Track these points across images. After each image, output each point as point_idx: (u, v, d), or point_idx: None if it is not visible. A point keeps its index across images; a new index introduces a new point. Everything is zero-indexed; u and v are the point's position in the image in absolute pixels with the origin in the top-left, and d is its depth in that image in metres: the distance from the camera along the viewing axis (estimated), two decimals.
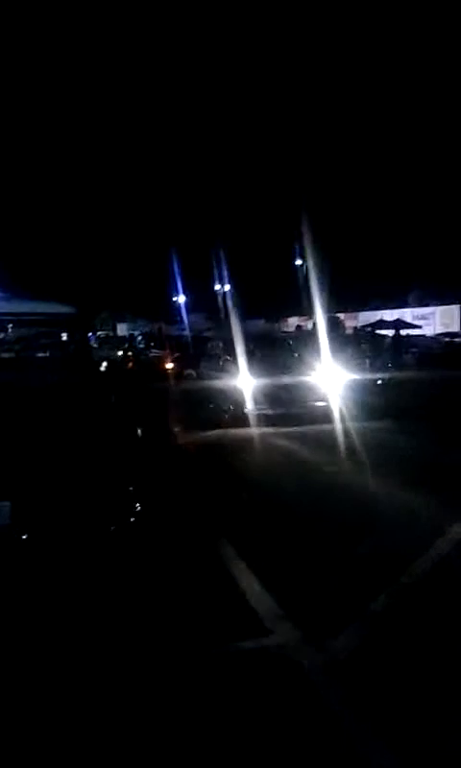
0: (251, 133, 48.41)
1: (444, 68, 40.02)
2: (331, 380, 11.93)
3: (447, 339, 28.63)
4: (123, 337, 36.88)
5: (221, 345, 15.67)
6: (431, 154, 38.77)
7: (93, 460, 5.18)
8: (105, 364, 18.46)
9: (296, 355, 13.76)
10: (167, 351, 21.31)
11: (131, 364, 22.77)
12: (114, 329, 47.35)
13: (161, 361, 20.82)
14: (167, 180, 47.13)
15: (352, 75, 43.70)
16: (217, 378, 13.13)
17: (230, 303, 48.18)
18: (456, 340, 28.23)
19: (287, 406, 11.52)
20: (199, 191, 47.11)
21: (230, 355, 13.46)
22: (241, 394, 11.64)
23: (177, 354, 20.57)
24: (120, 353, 25.66)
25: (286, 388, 11.71)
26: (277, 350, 14.41)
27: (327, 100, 44.82)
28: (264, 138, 47.27)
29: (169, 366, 19.85)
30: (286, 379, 11.91)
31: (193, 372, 17.33)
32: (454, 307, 38.29)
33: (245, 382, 11.76)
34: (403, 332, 29.75)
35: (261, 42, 45.97)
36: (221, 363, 14.00)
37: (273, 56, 47.70)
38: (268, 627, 3.92)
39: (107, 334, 41.73)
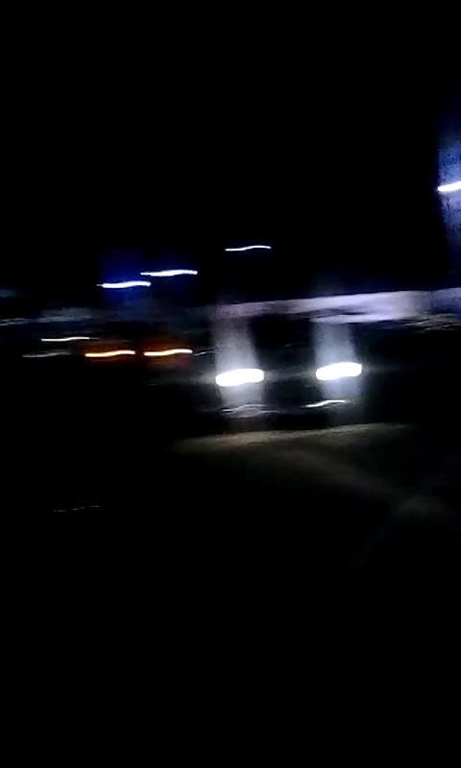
0: (206, 123, 47.99)
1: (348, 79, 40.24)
2: (339, 374, 9.87)
3: (392, 325, 28.86)
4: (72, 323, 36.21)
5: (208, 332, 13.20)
6: (387, 145, 39.08)
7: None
8: None
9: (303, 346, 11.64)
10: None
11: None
12: (63, 316, 46.66)
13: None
14: (117, 163, 46.49)
15: (299, 72, 43.63)
16: (197, 371, 11.11)
17: (180, 290, 48.16)
18: (404, 326, 28.47)
19: (290, 405, 9.60)
20: (150, 176, 46.60)
21: (210, 343, 11.32)
22: (231, 390, 9.66)
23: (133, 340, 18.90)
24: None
25: (288, 384, 9.72)
26: (275, 339, 12.27)
27: (280, 94, 44.66)
28: (209, 129, 46.92)
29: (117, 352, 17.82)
30: (287, 374, 9.91)
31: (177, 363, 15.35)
32: (403, 294, 38.75)
33: (235, 376, 9.75)
34: (348, 319, 29.99)
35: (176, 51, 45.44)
36: (202, 353, 11.82)
37: (195, 63, 47.24)
38: None
39: None
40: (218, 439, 9.01)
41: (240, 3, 41.74)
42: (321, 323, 26.46)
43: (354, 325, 21.23)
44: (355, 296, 41.46)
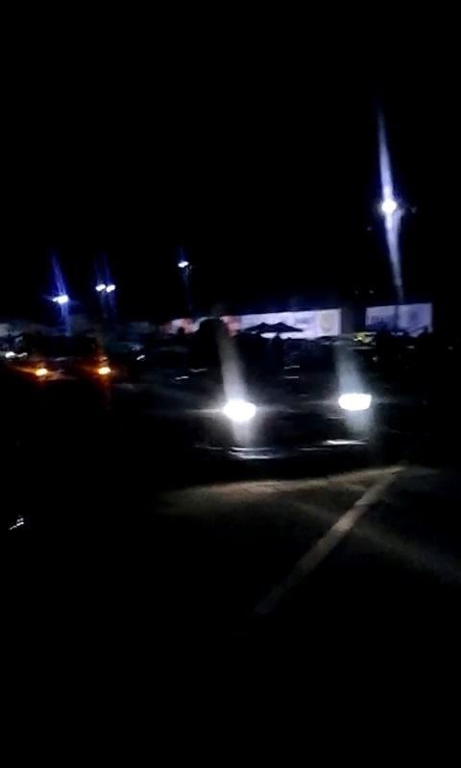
0: (134, 133, 47.92)
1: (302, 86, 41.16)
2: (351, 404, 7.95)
3: (326, 342, 29.32)
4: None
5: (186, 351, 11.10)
6: (318, 162, 39.74)
7: None
8: None
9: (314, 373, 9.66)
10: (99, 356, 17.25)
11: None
12: None
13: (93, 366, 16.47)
14: (48, 178, 45.87)
15: (230, 88, 44.16)
16: (181, 400, 8.78)
17: (112, 304, 47.67)
18: (336, 343, 28.94)
19: (298, 445, 7.55)
20: (80, 190, 46.15)
21: (200, 365, 9.14)
22: (224, 425, 7.49)
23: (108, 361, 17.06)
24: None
25: (293, 417, 7.75)
26: (265, 361, 10.31)
27: (210, 104, 45.03)
28: (147, 138, 46.93)
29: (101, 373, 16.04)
30: (292, 404, 7.87)
31: (130, 386, 12.83)
32: (334, 311, 39.37)
33: (230, 407, 7.57)
34: (285, 335, 30.28)
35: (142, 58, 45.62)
36: (187, 376, 9.47)
37: (159, 69, 47.45)
38: None
39: None
40: (209, 489, 6.84)
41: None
42: (309, 342, 25.01)
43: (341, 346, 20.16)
44: (282, 313, 42.28)
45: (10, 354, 20.86)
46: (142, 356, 23.53)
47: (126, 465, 7.69)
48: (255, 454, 7.48)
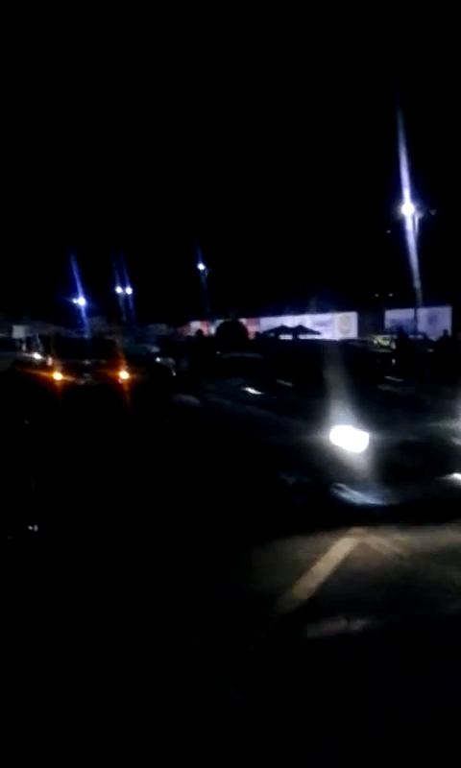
0: (154, 136, 48.08)
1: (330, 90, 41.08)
2: None
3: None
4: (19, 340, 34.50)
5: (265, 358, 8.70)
6: (337, 165, 39.67)
7: None
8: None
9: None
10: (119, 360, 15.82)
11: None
12: (10, 332, 45.38)
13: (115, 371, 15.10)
14: (67, 180, 46.14)
15: (250, 92, 44.17)
16: (261, 419, 6.84)
17: (130, 306, 47.85)
18: (353, 344, 28.84)
19: (420, 481, 5.81)
20: (99, 193, 46.37)
21: (287, 376, 7.24)
22: (327, 454, 5.70)
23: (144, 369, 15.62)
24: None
25: (412, 445, 5.89)
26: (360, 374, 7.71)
27: (230, 108, 45.11)
28: (168, 141, 47.07)
29: (125, 378, 14.53)
30: (410, 428, 6.05)
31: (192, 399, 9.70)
32: (352, 314, 39.25)
33: (336, 432, 5.72)
34: (303, 337, 30.27)
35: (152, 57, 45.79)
36: (268, 390, 7.32)
37: (174, 72, 47.60)
38: None
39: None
40: (312, 545, 4.90)
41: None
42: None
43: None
44: (300, 315, 42.15)
45: (37, 356, 20.00)
46: (160, 358, 23.58)
47: (178, 500, 6.02)
48: (369, 493, 5.72)
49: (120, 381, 14.82)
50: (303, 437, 6.01)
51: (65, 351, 16.75)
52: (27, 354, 21.38)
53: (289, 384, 7.21)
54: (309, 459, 5.92)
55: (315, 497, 5.79)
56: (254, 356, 9.60)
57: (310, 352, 8.38)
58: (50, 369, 15.70)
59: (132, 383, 14.58)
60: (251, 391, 7.60)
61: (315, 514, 5.56)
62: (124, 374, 15.18)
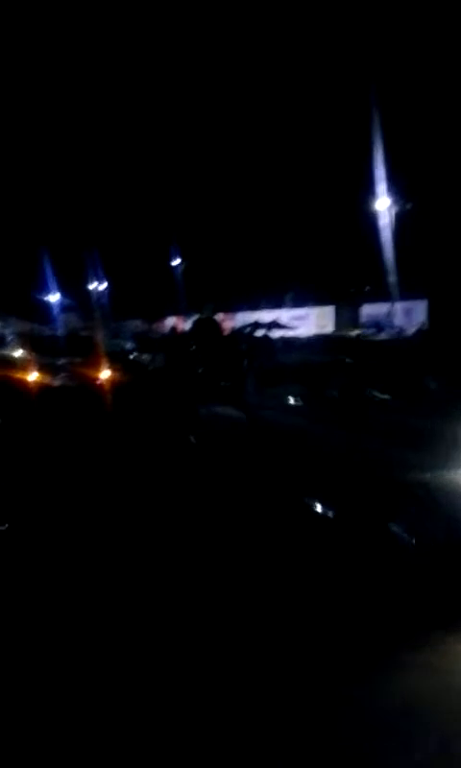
0: (126, 131, 47.57)
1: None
2: None
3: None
4: None
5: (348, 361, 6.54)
6: (312, 161, 39.47)
7: None
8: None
9: None
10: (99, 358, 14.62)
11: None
12: None
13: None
14: (39, 175, 45.51)
15: (223, 84, 43.86)
16: (349, 446, 4.97)
17: (104, 302, 47.36)
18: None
19: None
20: (71, 188, 45.80)
21: (388, 386, 5.46)
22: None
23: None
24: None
25: None
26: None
27: (202, 101, 44.72)
28: (139, 136, 46.58)
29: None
30: None
31: (233, 412, 7.33)
32: (329, 308, 39.12)
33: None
34: (279, 333, 30.02)
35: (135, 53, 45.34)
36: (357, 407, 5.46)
37: (150, 65, 47.07)
38: None
39: None
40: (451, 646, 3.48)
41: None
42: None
43: None
44: (276, 310, 41.92)
45: (18, 354, 18.32)
46: (134, 354, 23.16)
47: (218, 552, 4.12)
48: None
49: (100, 381, 13.76)
50: (424, 474, 4.23)
51: (39, 349, 15.87)
52: (7, 353, 19.72)
53: (387, 397, 5.32)
54: (436, 507, 4.10)
55: (442, 562, 3.87)
56: (325, 359, 7.31)
57: (409, 355, 5.83)
58: (24, 368, 14.41)
59: (113, 383, 13.53)
60: (320, 404, 5.40)
61: (445, 587, 3.67)
62: (104, 374, 14.05)
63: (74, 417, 10.12)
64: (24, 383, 13.34)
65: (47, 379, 13.78)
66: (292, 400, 5.80)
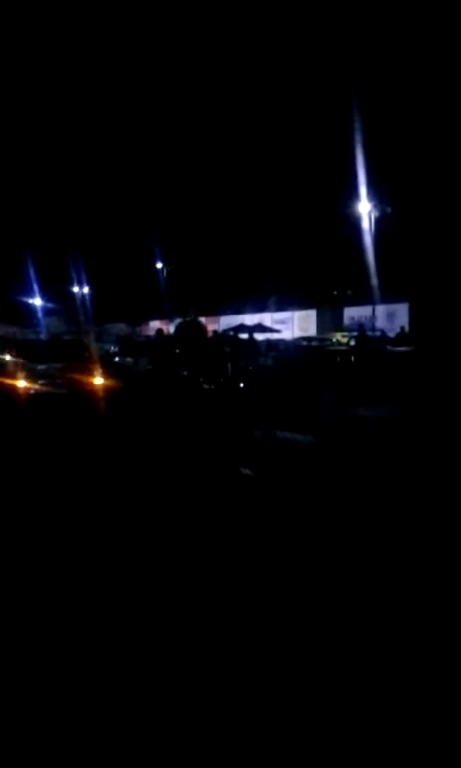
0: (110, 133, 47.64)
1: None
2: None
3: (304, 342, 29.37)
4: None
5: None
6: (294, 164, 39.76)
7: None
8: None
9: None
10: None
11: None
12: None
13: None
14: (22, 178, 45.43)
15: (209, 89, 44.07)
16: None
17: (89, 306, 47.27)
18: (313, 343, 29.01)
19: None
20: (55, 190, 45.77)
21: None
22: None
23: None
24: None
25: None
26: None
27: (186, 105, 44.98)
28: (123, 139, 46.69)
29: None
30: None
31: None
32: (311, 312, 39.42)
33: None
34: (262, 336, 30.27)
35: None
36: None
37: (131, 70, 47.24)
38: None
39: None
40: None
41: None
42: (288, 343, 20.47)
43: None
44: (260, 313, 42.09)
45: (8, 358, 16.95)
46: (117, 358, 23.15)
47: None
48: None
49: (95, 388, 12.81)
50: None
51: (28, 354, 14.52)
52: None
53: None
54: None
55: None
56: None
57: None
58: (12, 374, 13.35)
59: (109, 390, 12.78)
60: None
61: None
62: (99, 380, 13.08)
63: (72, 430, 9.15)
64: (13, 390, 12.40)
65: (38, 386, 12.61)
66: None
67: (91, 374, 13.06)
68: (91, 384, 12.77)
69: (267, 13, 41.33)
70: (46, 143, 45.77)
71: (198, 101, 44.25)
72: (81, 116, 45.73)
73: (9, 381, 12.92)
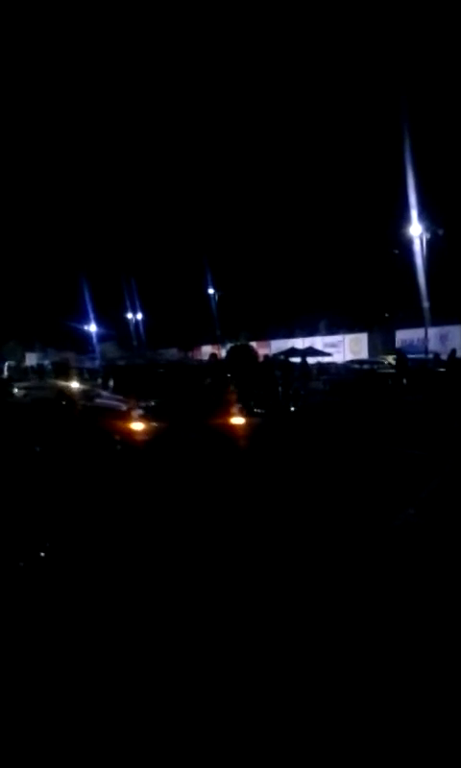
0: (163, 163, 48.66)
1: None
2: None
3: (355, 365, 29.27)
4: (31, 367, 32.96)
5: None
6: (345, 188, 39.93)
7: None
8: None
9: None
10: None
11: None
12: (23, 359, 44.83)
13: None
14: (78, 207, 46.65)
15: (261, 116, 44.68)
16: None
17: (142, 331, 48.03)
18: (365, 366, 28.90)
19: None
20: (110, 219, 46.84)
21: None
22: None
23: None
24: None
25: None
26: None
27: (241, 134, 45.72)
28: (176, 168, 47.62)
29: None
30: None
31: None
32: (362, 335, 39.25)
33: None
34: (314, 359, 30.27)
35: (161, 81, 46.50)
36: None
37: (183, 96, 48.33)
38: None
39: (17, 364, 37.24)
40: None
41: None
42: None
43: None
44: (311, 337, 42.04)
45: (75, 385, 14.46)
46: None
47: None
48: None
49: (235, 430, 9.24)
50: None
51: (131, 384, 10.33)
52: (62, 383, 15.16)
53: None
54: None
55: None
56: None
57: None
58: (123, 415, 9.20)
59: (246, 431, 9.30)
60: None
61: None
62: (237, 420, 9.39)
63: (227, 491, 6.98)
64: (129, 436, 8.91)
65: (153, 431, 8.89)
66: None
67: (228, 415, 9.50)
68: (230, 426, 9.35)
69: (320, 34, 41.87)
70: (102, 172, 47.03)
71: (252, 127, 44.95)
72: (136, 145, 46.90)
73: (120, 423, 9.23)
